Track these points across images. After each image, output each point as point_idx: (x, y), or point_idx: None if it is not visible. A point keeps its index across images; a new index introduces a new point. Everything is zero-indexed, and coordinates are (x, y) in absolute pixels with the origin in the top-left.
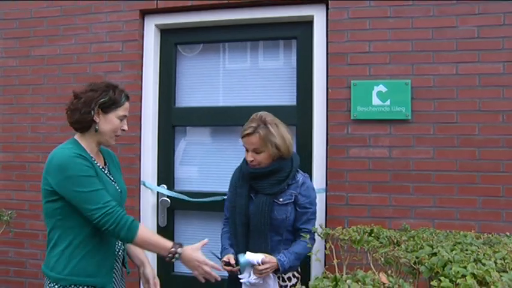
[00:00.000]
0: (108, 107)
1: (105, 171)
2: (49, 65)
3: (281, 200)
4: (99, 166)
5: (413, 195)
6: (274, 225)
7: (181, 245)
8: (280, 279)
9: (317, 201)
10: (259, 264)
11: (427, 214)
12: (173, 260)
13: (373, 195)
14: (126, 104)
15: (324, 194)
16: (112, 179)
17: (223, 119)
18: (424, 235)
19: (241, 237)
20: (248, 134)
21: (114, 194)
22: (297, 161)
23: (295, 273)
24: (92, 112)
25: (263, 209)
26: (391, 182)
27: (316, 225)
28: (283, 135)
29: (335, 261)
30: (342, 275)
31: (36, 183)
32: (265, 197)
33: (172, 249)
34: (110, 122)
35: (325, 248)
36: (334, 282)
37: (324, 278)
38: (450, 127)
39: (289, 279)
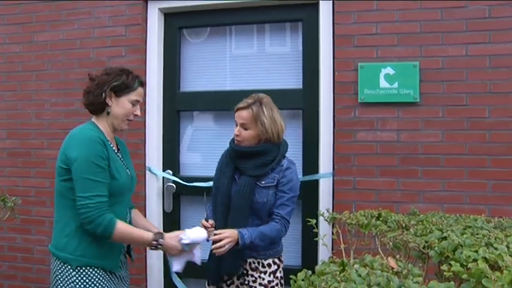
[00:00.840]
0: (120, 91)
1: (119, 155)
2: (52, 50)
3: (263, 182)
4: (114, 150)
5: (422, 179)
6: (254, 209)
7: (162, 235)
8: (260, 264)
9: (322, 187)
10: (207, 240)
11: (435, 198)
12: (156, 249)
13: (381, 180)
14: (140, 90)
15: (331, 178)
16: (124, 163)
17: (229, 104)
18: (433, 219)
19: (221, 218)
20: (241, 108)
21: (125, 178)
22: (284, 147)
23: (276, 260)
24: (104, 94)
25: (244, 190)
26: (399, 166)
27: (323, 210)
28: (275, 118)
29: (342, 246)
30: (350, 259)
31: (41, 170)
32: (248, 179)
33: (154, 242)
34: (122, 106)
35: (332, 233)
36: (342, 267)
37: (331, 262)
38: (459, 110)
39: (269, 265)
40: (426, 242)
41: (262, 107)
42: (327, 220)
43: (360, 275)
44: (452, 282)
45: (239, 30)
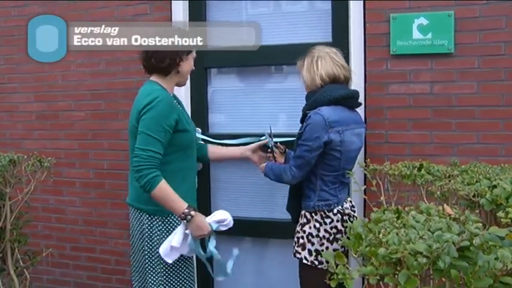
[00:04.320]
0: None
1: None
2: (76, 10)
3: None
4: (178, 105)
5: (456, 131)
6: None
7: (195, 210)
8: (302, 213)
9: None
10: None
11: (470, 151)
12: (183, 221)
13: (413, 133)
14: None
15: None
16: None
17: (257, 59)
18: (477, 169)
19: None
20: None
21: (193, 129)
22: (321, 95)
23: (307, 214)
24: (184, 55)
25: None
26: (432, 118)
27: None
28: (314, 67)
29: (382, 198)
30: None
31: (69, 132)
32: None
33: (186, 211)
34: (188, 63)
35: (371, 185)
36: (397, 214)
37: (385, 210)
38: (496, 60)
39: (301, 216)
40: (476, 190)
41: (304, 59)
42: (366, 171)
43: (417, 221)
44: None
45: None
